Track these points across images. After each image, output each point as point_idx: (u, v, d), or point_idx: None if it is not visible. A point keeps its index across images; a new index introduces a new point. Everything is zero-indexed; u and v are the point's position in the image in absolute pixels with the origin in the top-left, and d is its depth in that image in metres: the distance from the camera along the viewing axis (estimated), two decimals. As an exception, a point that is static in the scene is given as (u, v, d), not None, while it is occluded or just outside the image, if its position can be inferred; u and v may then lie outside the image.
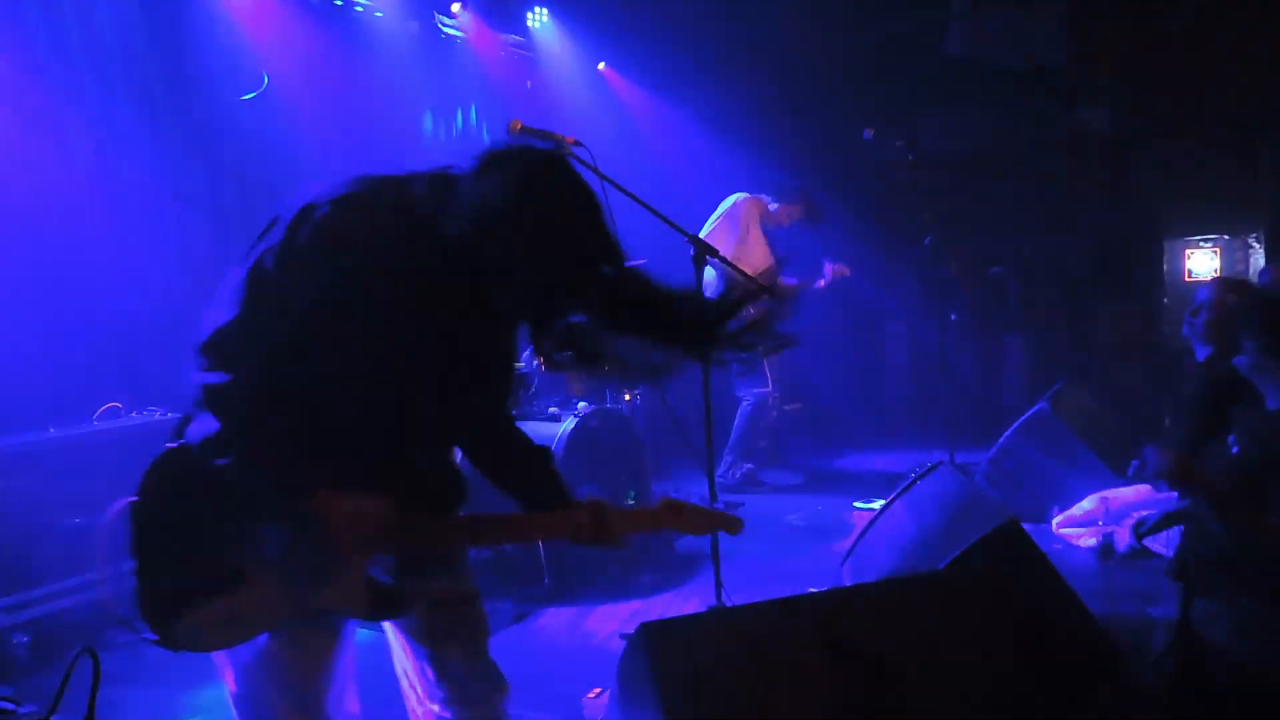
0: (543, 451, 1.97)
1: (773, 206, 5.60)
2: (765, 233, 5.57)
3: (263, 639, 1.68)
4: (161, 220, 4.62)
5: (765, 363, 5.54)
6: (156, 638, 1.61)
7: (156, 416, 4.10)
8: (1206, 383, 3.06)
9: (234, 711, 1.81)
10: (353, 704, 1.88)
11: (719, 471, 5.59)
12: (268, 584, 1.63)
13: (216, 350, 1.58)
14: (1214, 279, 4.21)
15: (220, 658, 1.73)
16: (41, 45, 4.14)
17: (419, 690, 1.90)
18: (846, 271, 5.69)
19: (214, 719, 3.10)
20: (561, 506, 1.90)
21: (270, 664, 1.71)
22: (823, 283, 5.69)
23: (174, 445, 1.62)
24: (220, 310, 1.61)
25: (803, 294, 5.60)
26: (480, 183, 1.60)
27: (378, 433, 1.68)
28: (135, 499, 1.57)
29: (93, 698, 1.25)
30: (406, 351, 1.66)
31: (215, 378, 1.56)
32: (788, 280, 5.57)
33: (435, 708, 1.87)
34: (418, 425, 1.75)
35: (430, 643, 1.86)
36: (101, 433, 3.90)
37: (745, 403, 5.69)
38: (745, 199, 5.56)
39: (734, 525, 1.91)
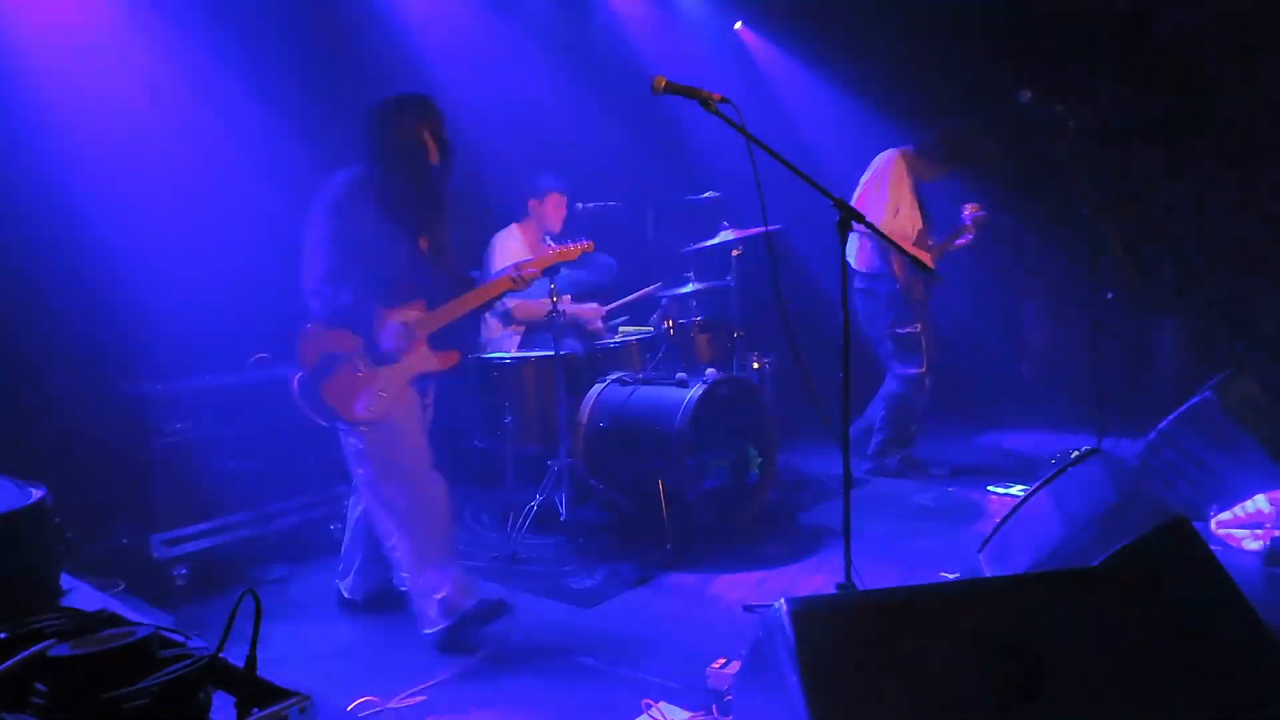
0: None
1: (925, 158, 5.13)
2: (918, 189, 5.14)
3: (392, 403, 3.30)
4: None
5: (923, 339, 5.16)
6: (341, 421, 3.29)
7: (302, 366, 4.27)
8: None
9: (357, 463, 3.35)
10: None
11: (869, 449, 5.38)
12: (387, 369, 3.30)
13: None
14: None
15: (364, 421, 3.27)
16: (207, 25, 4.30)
17: None
18: (982, 212, 5.06)
19: (350, 657, 3.24)
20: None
21: (400, 414, 3.31)
22: (968, 238, 5.10)
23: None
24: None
25: (948, 254, 5.16)
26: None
27: (397, 278, 3.31)
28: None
29: (254, 637, 1.29)
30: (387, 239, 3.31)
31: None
32: (936, 238, 5.15)
33: None
34: (405, 272, 3.34)
35: None
36: (254, 380, 4.10)
37: (894, 382, 5.29)
38: (893, 155, 5.12)
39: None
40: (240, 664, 1.32)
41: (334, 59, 4.84)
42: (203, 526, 3.84)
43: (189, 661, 1.24)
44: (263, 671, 1.33)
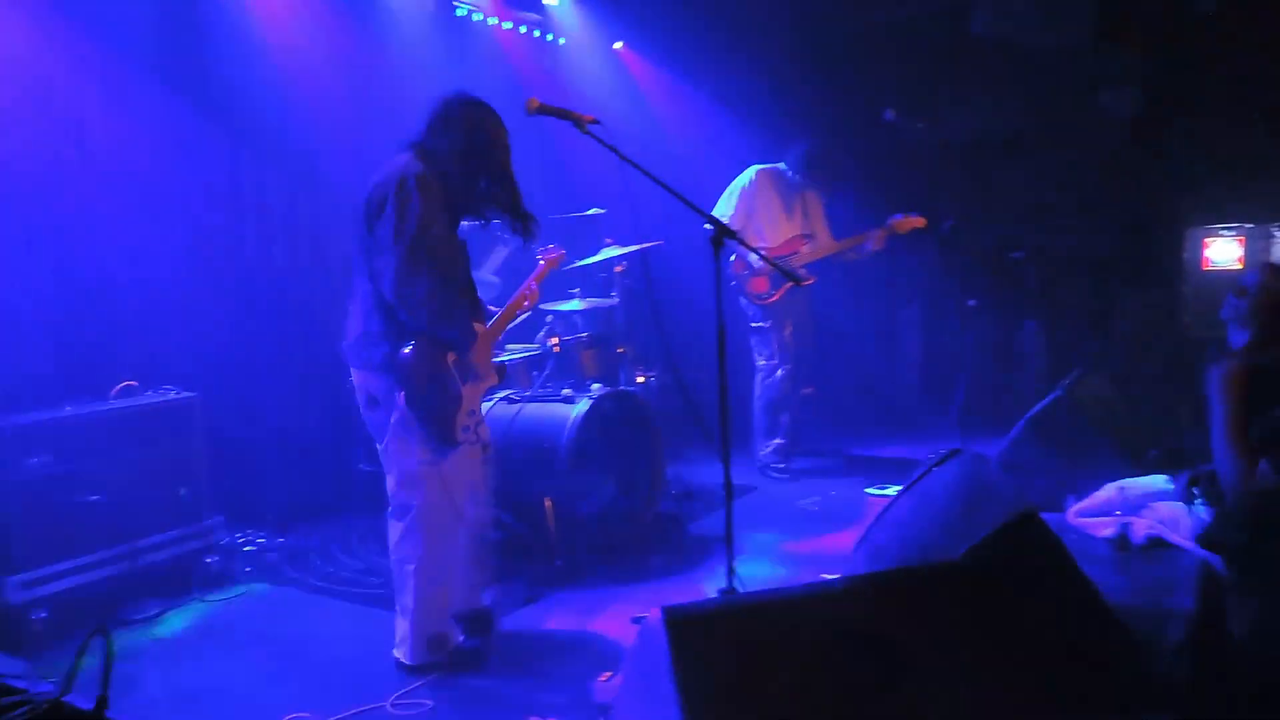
0: None
1: (790, 173, 5.47)
2: (789, 201, 5.48)
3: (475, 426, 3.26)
4: (172, 203, 4.64)
5: (774, 336, 5.50)
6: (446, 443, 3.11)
7: (171, 395, 4.11)
8: (1245, 370, 2.99)
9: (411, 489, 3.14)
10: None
11: (759, 455, 5.63)
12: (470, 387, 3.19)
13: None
14: (1266, 264, 4.05)
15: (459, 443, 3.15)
16: (59, 20, 4.13)
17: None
18: (922, 222, 5.35)
19: (227, 695, 3.13)
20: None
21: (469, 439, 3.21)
22: (870, 245, 5.45)
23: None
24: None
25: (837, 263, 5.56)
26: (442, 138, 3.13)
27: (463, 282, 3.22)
28: (411, 386, 3.05)
29: (105, 677, 1.24)
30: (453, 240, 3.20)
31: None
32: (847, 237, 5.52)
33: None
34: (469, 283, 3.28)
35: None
36: (120, 410, 3.92)
37: (757, 382, 5.61)
38: (750, 172, 5.49)
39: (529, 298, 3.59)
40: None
41: (198, 69, 4.71)
42: (64, 565, 3.63)
43: (26, 709, 1.19)
44: (131, 714, 1.28)
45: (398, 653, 3.22)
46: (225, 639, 3.58)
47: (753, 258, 5.32)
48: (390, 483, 3.18)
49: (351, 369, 3.23)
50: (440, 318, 3.01)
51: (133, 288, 4.45)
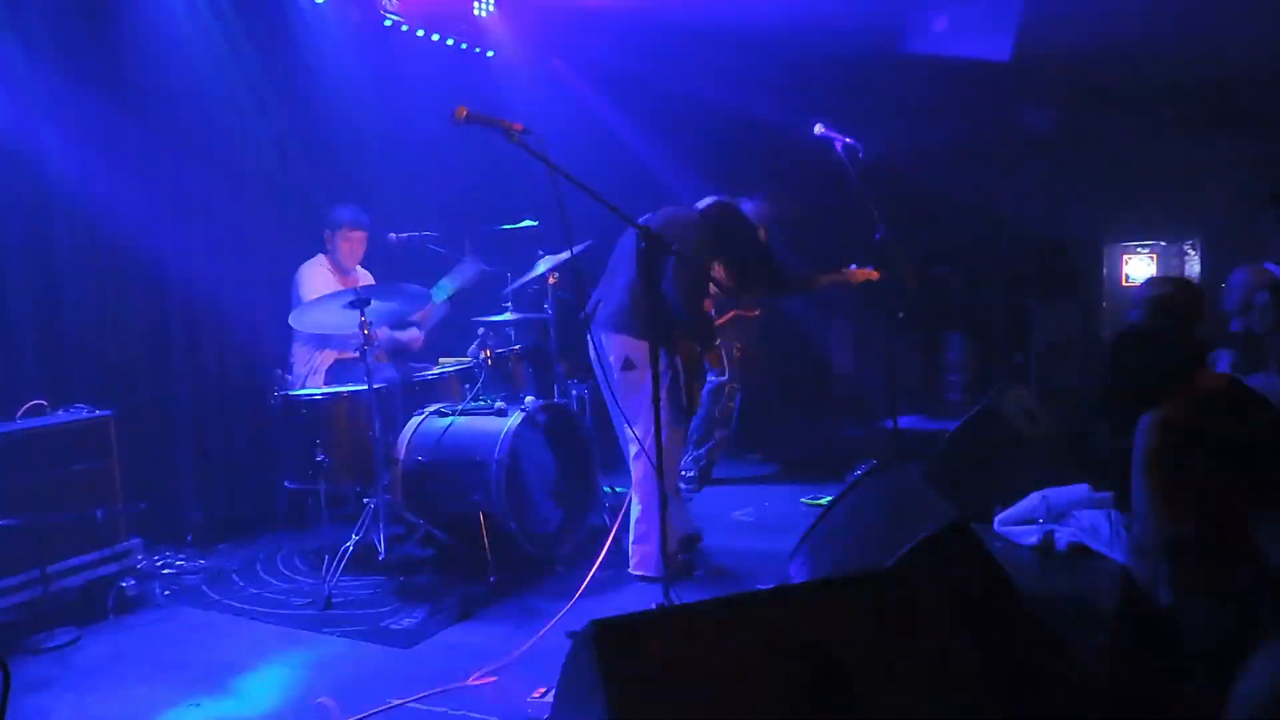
0: None
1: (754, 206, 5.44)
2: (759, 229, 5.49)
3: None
4: (76, 212, 4.48)
5: (730, 351, 5.62)
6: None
7: (83, 414, 3.96)
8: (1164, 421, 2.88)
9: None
10: None
11: (686, 463, 5.62)
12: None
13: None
14: (1247, 267, 4.15)
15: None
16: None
17: None
18: (875, 275, 5.34)
19: (144, 724, 3.00)
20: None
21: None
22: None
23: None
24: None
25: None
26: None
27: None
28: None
29: (2, 709, 1.17)
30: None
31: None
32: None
33: None
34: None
35: None
36: (26, 431, 3.75)
37: (706, 391, 5.67)
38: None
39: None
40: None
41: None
42: (-32, 592, 3.46)
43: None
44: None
45: (638, 571, 4.02)
46: (143, 666, 3.43)
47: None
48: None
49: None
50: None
51: (36, 301, 4.28)
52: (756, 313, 5.90)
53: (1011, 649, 2.35)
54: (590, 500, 4.55)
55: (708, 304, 5.47)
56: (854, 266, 5.40)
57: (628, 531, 4.12)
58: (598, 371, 4.07)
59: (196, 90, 4.92)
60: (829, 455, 6.18)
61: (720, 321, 5.63)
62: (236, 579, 4.34)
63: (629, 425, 3.87)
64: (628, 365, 3.94)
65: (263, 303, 5.05)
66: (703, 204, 4.25)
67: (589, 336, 4.08)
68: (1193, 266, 6.98)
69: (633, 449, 3.96)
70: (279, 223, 5.28)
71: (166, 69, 4.79)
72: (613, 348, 3.98)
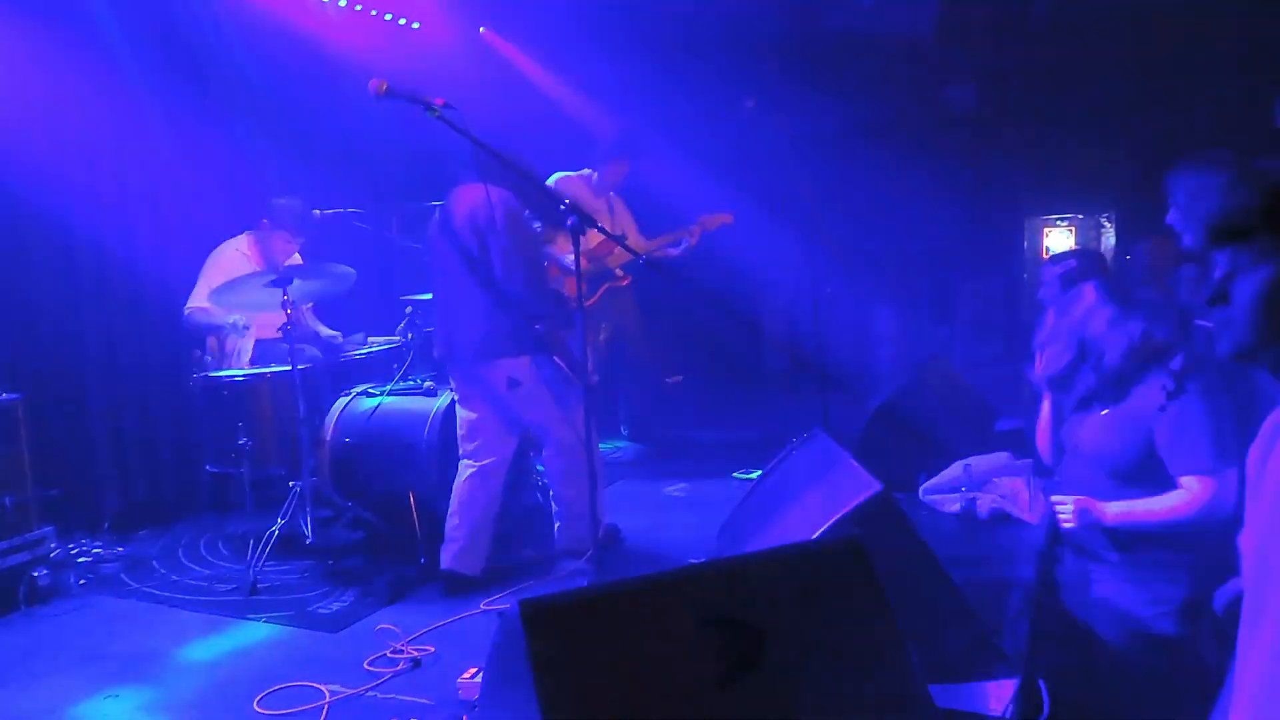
0: None
1: (595, 177, 5.45)
2: (595, 205, 5.38)
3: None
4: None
5: (595, 336, 5.47)
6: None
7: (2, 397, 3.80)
8: None
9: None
10: None
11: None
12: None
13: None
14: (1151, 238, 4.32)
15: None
16: None
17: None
18: (729, 219, 5.53)
19: (56, 716, 2.91)
20: None
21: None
22: (685, 244, 5.53)
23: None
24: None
25: (675, 258, 5.52)
26: None
27: None
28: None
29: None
30: None
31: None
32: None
33: None
34: None
35: None
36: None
37: None
38: (552, 183, 5.31)
39: None
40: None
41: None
42: None
43: None
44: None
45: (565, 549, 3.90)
46: (56, 658, 3.32)
47: (568, 259, 5.26)
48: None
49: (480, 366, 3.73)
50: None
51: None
52: (626, 280, 5.56)
53: (929, 620, 2.41)
54: (523, 479, 4.52)
55: (570, 285, 5.42)
56: (705, 214, 5.49)
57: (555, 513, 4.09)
58: (481, 406, 3.80)
59: (111, 44, 4.67)
60: (759, 431, 6.26)
61: (590, 302, 5.35)
62: (157, 566, 4.23)
63: (539, 435, 3.83)
64: (513, 385, 3.71)
65: (183, 280, 4.88)
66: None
67: (453, 377, 3.88)
68: (1108, 239, 7.21)
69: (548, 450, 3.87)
70: (198, 196, 5.09)
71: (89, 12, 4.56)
72: (493, 375, 3.72)
